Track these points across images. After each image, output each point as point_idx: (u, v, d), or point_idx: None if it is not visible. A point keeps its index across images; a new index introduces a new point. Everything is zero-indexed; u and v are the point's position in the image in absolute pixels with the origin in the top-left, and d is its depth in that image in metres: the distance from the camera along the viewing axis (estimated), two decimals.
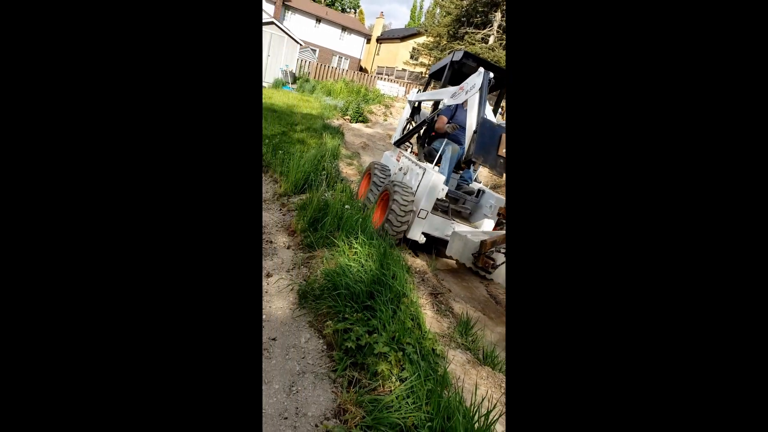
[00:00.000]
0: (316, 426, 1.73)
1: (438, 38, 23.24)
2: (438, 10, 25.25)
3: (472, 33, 21.99)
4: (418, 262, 3.78)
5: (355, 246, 2.84)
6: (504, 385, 2.23)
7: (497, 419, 1.67)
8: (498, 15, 21.47)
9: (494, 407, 1.71)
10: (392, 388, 1.83)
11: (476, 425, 1.59)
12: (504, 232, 2.95)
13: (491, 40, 21.53)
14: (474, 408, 1.67)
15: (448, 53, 21.85)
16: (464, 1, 21.73)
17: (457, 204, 4.27)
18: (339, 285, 2.41)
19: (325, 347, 2.22)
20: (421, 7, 35.05)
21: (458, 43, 21.82)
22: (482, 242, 2.87)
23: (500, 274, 2.81)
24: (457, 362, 2.26)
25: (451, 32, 22.46)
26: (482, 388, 2.10)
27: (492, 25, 21.77)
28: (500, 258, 2.73)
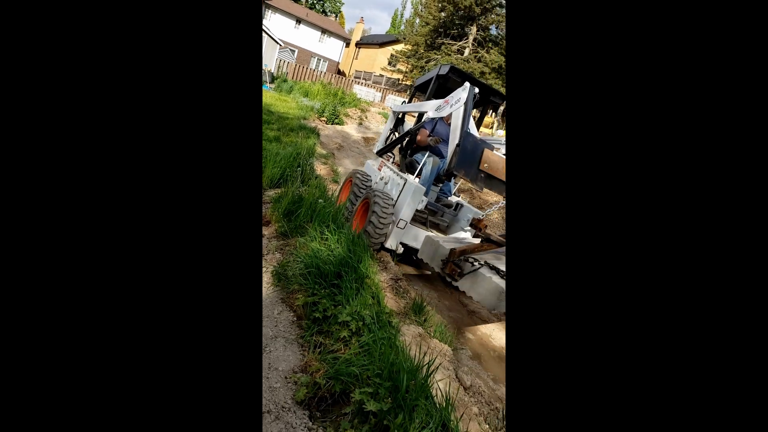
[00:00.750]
0: (285, 378, 2.04)
1: (416, 47, 23.83)
2: (417, 20, 25.88)
3: (449, 44, 22.68)
4: (384, 253, 4.12)
5: (326, 233, 3.16)
6: (449, 353, 2.60)
7: (434, 372, 2.02)
8: (474, 29, 22.23)
9: (434, 364, 2.06)
10: (352, 350, 2.16)
11: (418, 376, 1.94)
12: (477, 242, 2.94)
13: (466, 52, 22.27)
14: (417, 365, 2.02)
15: (425, 62, 22.53)
16: (442, 13, 22.40)
17: (436, 216, 4.39)
18: (310, 266, 2.73)
19: (295, 318, 2.53)
20: (401, 15, 35.80)
21: (435, 53, 22.45)
22: (451, 250, 2.90)
23: (465, 284, 2.78)
24: (409, 334, 2.61)
25: (428, 42, 23.08)
26: (429, 354, 2.46)
27: (467, 38, 22.52)
28: (467, 267, 2.75)
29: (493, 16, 22.20)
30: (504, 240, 2.77)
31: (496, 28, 22.94)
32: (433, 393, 1.93)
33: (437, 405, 1.83)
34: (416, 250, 3.88)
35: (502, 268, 2.74)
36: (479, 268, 2.72)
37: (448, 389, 2.03)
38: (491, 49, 21.60)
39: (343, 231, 3.21)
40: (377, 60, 31.42)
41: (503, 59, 20.27)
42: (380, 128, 11.90)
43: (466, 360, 2.88)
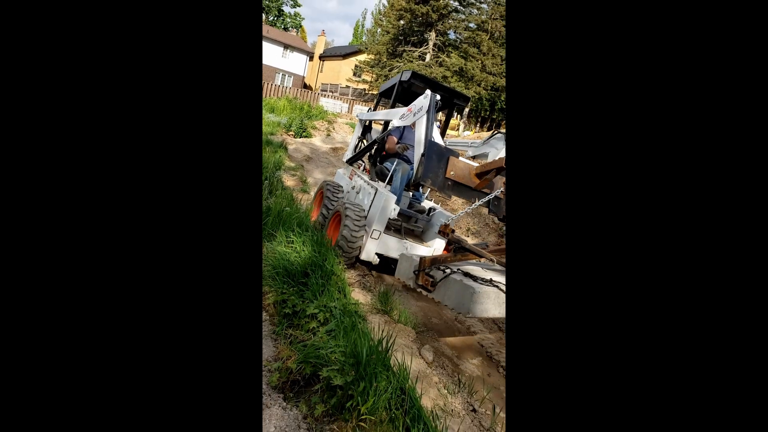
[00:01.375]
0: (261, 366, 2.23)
1: (378, 56, 24.30)
2: (378, 30, 26.42)
3: (410, 51, 23.21)
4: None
5: (292, 237, 3.36)
6: (413, 335, 2.83)
7: (392, 346, 2.25)
8: (432, 34, 22.83)
9: (393, 340, 2.29)
10: (320, 335, 2.37)
11: (378, 350, 2.17)
12: (448, 254, 2.89)
13: (428, 57, 22.83)
14: (378, 340, 2.25)
15: (389, 70, 22.99)
16: (401, 21, 22.94)
17: (410, 222, 4.32)
18: (277, 267, 2.93)
19: (267, 317, 2.72)
20: (363, 25, 36.41)
21: (397, 61, 22.94)
22: (421, 258, 2.81)
23: (439, 292, 2.67)
24: (375, 322, 2.83)
25: (390, 50, 23.57)
26: (393, 336, 2.69)
27: (428, 44, 23.11)
28: (439, 275, 2.67)
29: (450, 21, 22.87)
30: (478, 248, 2.79)
31: (454, 32, 23.66)
32: (394, 365, 2.16)
33: (396, 373, 2.05)
34: (393, 260, 3.81)
35: (476, 273, 2.69)
36: (450, 274, 2.64)
37: (409, 362, 2.26)
38: (451, 53, 22.23)
39: (307, 233, 3.43)
40: (342, 71, 31.78)
41: (463, 62, 20.91)
42: (348, 138, 12.10)
43: (432, 341, 3.12)
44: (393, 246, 3.90)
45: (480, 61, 21.35)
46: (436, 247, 4.11)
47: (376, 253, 3.83)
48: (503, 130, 3.09)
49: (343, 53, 33.06)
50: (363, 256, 3.79)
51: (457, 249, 2.76)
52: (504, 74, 21.56)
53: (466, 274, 2.64)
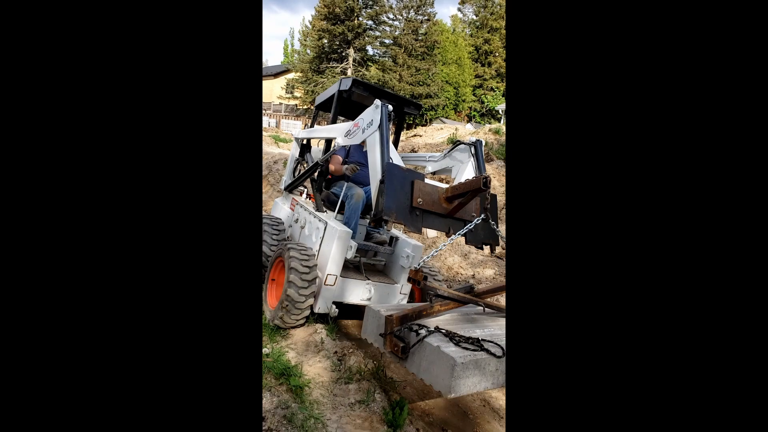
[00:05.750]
0: None
1: (304, 73, 25.84)
2: (302, 49, 28.02)
3: (332, 67, 24.91)
4: None
5: None
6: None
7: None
8: (351, 51, 24.70)
9: None
10: None
11: None
12: (425, 303, 2.16)
13: (349, 71, 24.60)
14: None
15: (314, 86, 24.44)
16: (321, 41, 24.66)
17: (369, 256, 3.49)
18: None
19: None
20: (292, 45, 37.62)
21: (321, 77, 24.57)
22: (387, 318, 1.97)
23: (413, 362, 1.82)
24: None
25: (313, 68, 25.17)
26: None
27: (348, 60, 24.95)
28: (412, 338, 1.85)
29: (366, 38, 24.85)
30: (459, 294, 2.23)
31: (372, 47, 25.72)
32: None
33: None
34: (354, 307, 3.23)
35: (461, 330, 1.95)
36: (425, 336, 1.84)
37: None
38: (370, 66, 24.21)
39: None
40: (274, 90, 32.84)
41: (382, 74, 22.90)
42: (271, 150, 11.14)
43: None
44: (354, 289, 3.15)
45: (397, 73, 23.42)
46: (404, 282, 3.37)
47: (334, 302, 3.06)
48: (466, 141, 2.77)
49: (274, 72, 34.06)
50: (317, 309, 3.01)
51: (432, 298, 2.14)
52: (420, 83, 23.76)
53: (447, 334, 1.87)
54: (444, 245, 2.06)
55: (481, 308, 2.28)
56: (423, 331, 1.83)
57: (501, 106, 18.98)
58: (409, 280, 2.07)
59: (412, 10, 24.10)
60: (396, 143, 3.93)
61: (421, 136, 14.47)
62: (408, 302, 3.41)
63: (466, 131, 14.17)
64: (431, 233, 6.20)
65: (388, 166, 2.23)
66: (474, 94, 28.01)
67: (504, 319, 2.27)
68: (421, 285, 2.03)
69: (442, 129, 15.41)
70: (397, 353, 1.88)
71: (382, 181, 2.20)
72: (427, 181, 2.30)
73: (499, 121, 17.31)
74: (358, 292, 3.17)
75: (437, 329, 1.88)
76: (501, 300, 3.86)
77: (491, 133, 11.23)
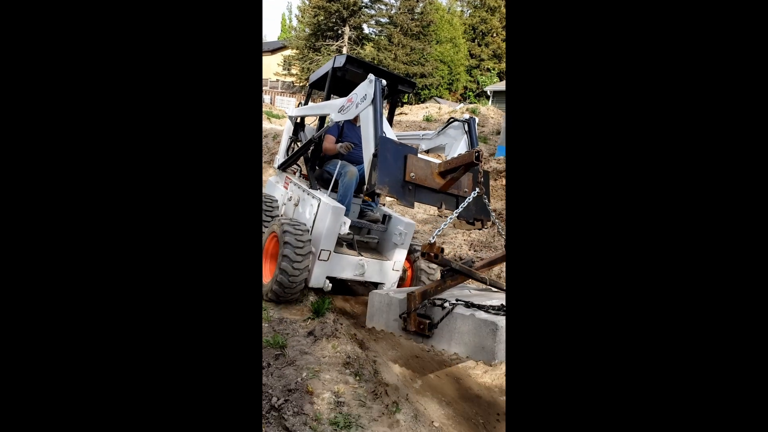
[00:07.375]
0: None
1: (300, 50, 25.92)
2: (298, 26, 27.93)
3: (327, 45, 24.98)
4: None
5: None
6: None
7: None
8: (347, 28, 24.75)
9: None
10: None
11: None
12: (438, 282, 2.13)
13: (344, 50, 24.68)
14: None
15: (309, 63, 24.55)
16: (317, 18, 24.65)
17: (362, 234, 3.63)
18: None
19: None
20: (290, 20, 37.03)
21: (316, 55, 24.69)
22: (408, 295, 1.98)
23: (442, 337, 1.82)
24: None
25: (309, 45, 25.23)
26: None
27: (343, 38, 25.04)
28: (437, 313, 1.84)
29: (362, 16, 24.84)
30: (469, 269, 2.20)
31: (368, 26, 25.78)
32: None
33: None
34: (349, 281, 3.32)
35: (478, 301, 1.94)
36: (453, 308, 1.82)
37: None
38: (366, 45, 24.34)
39: None
40: (271, 67, 32.62)
41: (377, 52, 23.08)
42: (265, 126, 11.22)
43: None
44: (347, 265, 3.28)
45: (392, 52, 23.58)
46: (396, 259, 3.48)
47: (327, 277, 3.20)
48: (459, 118, 2.82)
49: (272, 48, 33.67)
50: (312, 283, 3.14)
51: (446, 273, 2.14)
52: (414, 63, 23.99)
53: (470, 305, 1.88)
54: (450, 218, 2.09)
55: (485, 283, 2.30)
56: (447, 305, 1.82)
57: (491, 87, 19.34)
58: (423, 255, 1.97)
59: None
60: (390, 121, 3.89)
61: (407, 114, 15.16)
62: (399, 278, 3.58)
63: (446, 111, 14.73)
64: (420, 214, 6.45)
65: (381, 140, 2.24)
66: (470, 74, 28.18)
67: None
68: (439, 258, 1.94)
69: (427, 108, 15.91)
70: (423, 331, 1.86)
71: (375, 155, 2.23)
72: (420, 155, 2.28)
73: (489, 101, 17.76)
74: (352, 268, 3.32)
75: (458, 301, 1.86)
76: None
77: (468, 113, 11.87)
